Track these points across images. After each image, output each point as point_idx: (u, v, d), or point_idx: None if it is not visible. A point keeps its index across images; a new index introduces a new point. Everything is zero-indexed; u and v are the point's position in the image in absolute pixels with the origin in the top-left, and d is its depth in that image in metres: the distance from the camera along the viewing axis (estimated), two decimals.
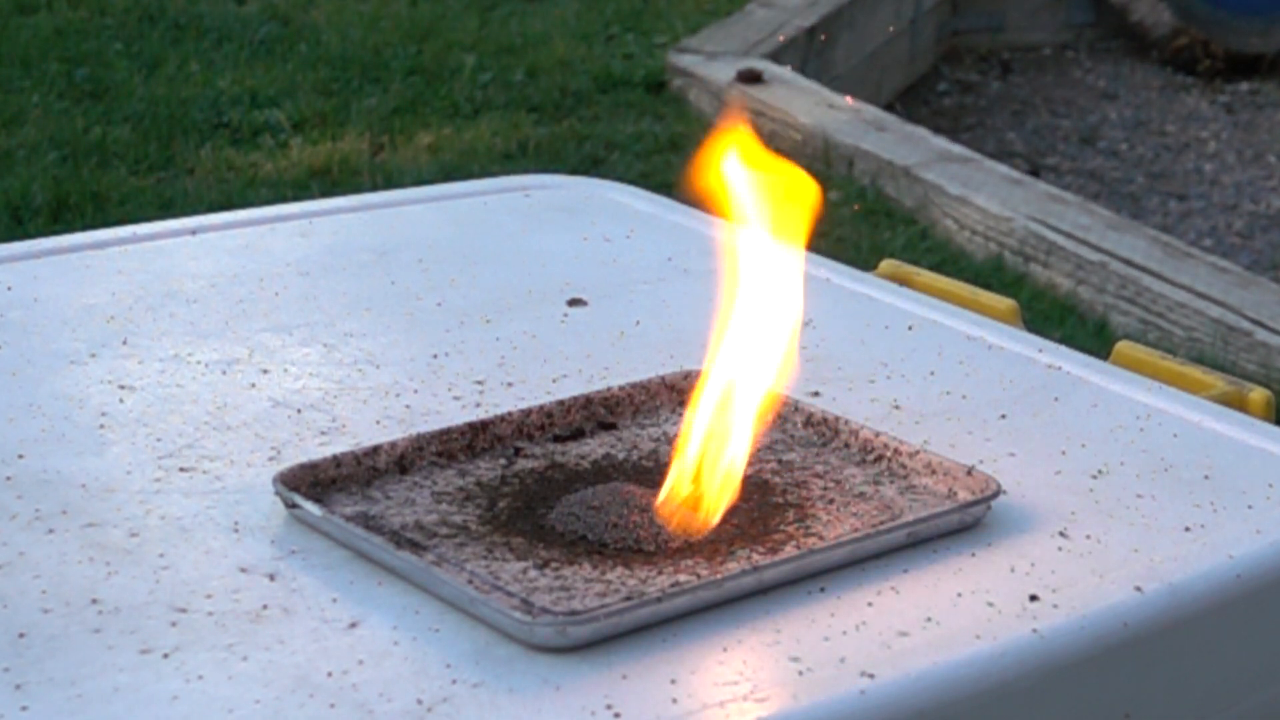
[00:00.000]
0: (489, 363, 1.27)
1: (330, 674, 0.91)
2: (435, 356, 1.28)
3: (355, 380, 1.24)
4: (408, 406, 1.20)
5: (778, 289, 1.08)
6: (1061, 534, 1.06)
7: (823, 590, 0.99)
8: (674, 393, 1.20)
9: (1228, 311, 3.68)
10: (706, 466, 1.05)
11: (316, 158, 4.19)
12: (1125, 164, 5.14)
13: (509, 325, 1.34)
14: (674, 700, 0.90)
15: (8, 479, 1.09)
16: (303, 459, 1.09)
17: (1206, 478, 1.14)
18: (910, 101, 5.44)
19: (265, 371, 1.25)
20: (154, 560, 1.01)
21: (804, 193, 1.09)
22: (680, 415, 1.18)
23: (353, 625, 0.95)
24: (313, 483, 1.07)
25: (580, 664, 0.92)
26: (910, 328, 1.35)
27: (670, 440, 1.15)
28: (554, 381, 1.25)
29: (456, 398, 1.22)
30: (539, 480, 1.10)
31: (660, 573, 1.00)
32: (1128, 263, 3.84)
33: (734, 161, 1.09)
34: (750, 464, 1.08)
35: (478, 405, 1.21)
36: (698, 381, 1.13)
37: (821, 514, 1.07)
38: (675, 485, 1.05)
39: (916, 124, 4.62)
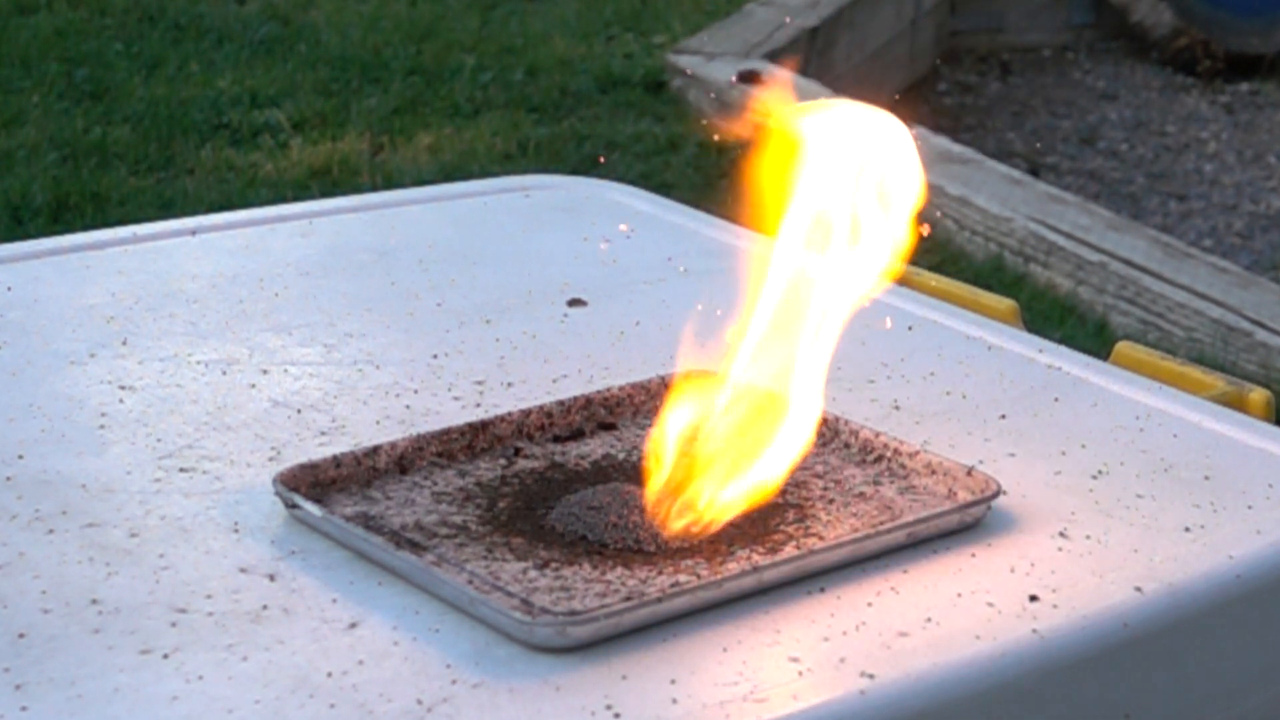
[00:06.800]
0: (489, 363, 1.27)
1: (330, 674, 0.91)
2: (435, 356, 1.28)
3: (355, 380, 1.24)
4: (408, 406, 1.20)
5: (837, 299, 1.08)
6: (1061, 534, 1.06)
7: (823, 590, 0.99)
8: (668, 393, 1.20)
9: (1228, 312, 3.67)
10: (710, 470, 1.05)
11: (316, 158, 4.18)
12: (1125, 164, 5.14)
13: (509, 325, 1.34)
14: (674, 700, 0.90)
15: (8, 479, 1.09)
16: (303, 459, 1.09)
17: (1206, 478, 1.14)
18: (910, 101, 5.44)
19: (265, 371, 1.25)
20: (154, 560, 1.01)
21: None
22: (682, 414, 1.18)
23: (353, 625, 0.95)
24: (313, 483, 1.07)
25: (580, 664, 0.92)
26: (910, 328, 1.35)
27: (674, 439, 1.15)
28: (554, 381, 1.25)
29: (456, 398, 1.22)
30: (539, 480, 1.10)
31: (660, 573, 1.00)
32: (1128, 263, 3.84)
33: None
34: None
35: (478, 405, 1.21)
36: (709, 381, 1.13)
37: (821, 514, 1.07)
38: (668, 485, 1.05)
39: (917, 124, 4.62)
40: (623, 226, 1.52)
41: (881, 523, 1.05)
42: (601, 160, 4.18)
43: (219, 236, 1.49)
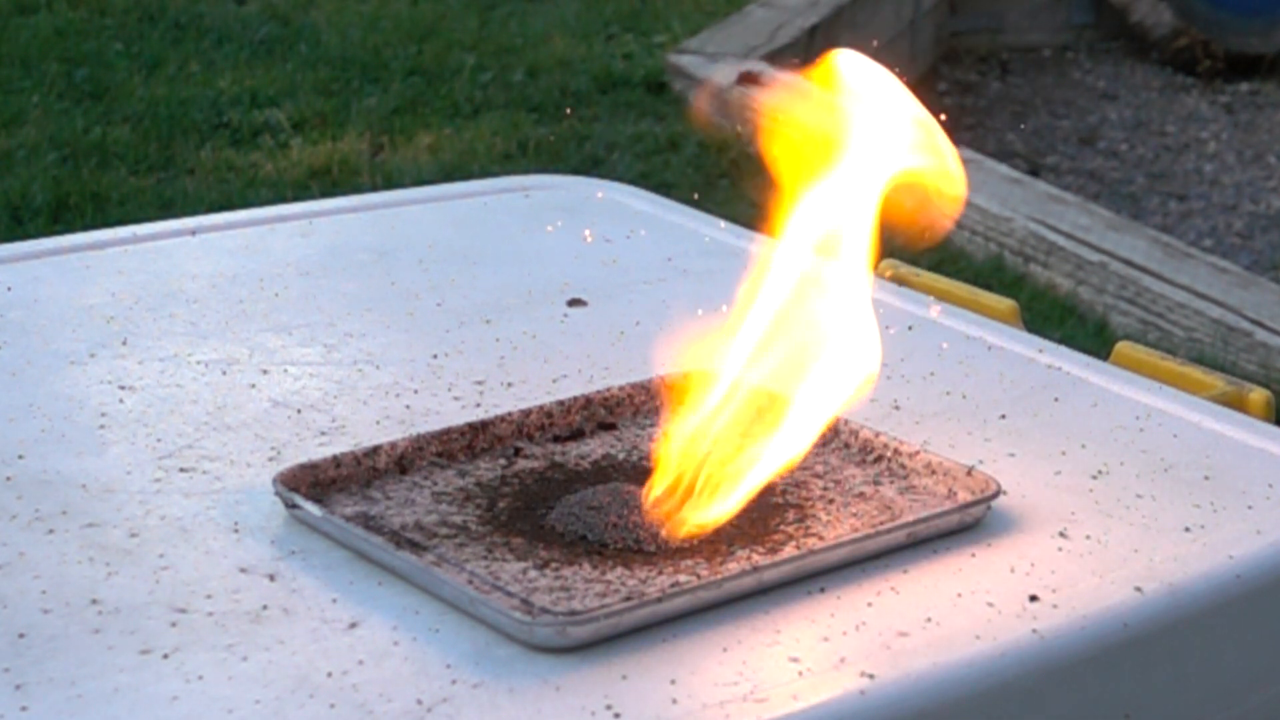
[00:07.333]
0: (489, 363, 1.27)
1: (330, 674, 0.91)
2: (435, 356, 1.28)
3: (355, 380, 1.24)
4: (408, 406, 1.20)
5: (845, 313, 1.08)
6: (1061, 534, 1.06)
7: (823, 590, 0.99)
8: (674, 393, 1.20)
9: (1228, 312, 3.67)
10: (711, 469, 1.05)
11: (316, 158, 4.18)
12: (1125, 164, 5.14)
13: (509, 325, 1.34)
14: (674, 700, 0.90)
15: (8, 479, 1.09)
16: (303, 459, 1.09)
17: (1206, 478, 1.14)
18: None
19: (265, 371, 1.25)
20: (154, 560, 1.01)
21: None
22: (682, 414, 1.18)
23: (353, 625, 0.95)
24: (313, 483, 1.07)
25: (580, 664, 0.92)
26: (910, 328, 1.35)
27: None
28: (554, 381, 1.25)
29: (456, 398, 1.22)
30: (539, 480, 1.10)
31: (660, 573, 1.00)
32: (1128, 263, 3.84)
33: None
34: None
35: (478, 405, 1.21)
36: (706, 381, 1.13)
37: (821, 514, 1.07)
38: (670, 485, 1.05)
39: None
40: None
41: (881, 523, 1.05)
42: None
43: (219, 236, 1.49)
